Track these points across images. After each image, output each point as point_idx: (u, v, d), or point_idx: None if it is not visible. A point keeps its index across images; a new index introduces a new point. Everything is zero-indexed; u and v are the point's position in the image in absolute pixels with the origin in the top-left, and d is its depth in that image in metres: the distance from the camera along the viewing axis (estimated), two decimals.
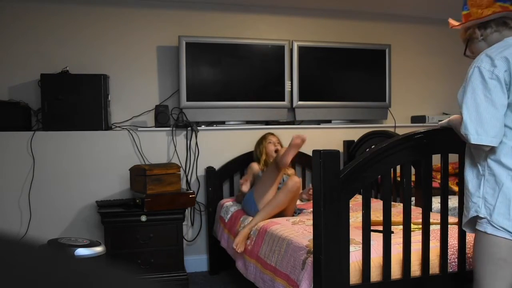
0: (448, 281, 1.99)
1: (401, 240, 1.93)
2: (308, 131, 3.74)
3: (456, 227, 2.04)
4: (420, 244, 1.96)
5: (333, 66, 3.79)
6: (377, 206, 2.59)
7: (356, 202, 2.86)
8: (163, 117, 3.33)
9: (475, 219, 1.62)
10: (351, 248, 1.84)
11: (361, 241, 1.86)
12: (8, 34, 3.27)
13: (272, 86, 3.64)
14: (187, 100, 3.43)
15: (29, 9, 3.31)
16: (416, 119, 4.06)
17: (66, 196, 3.23)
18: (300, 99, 3.68)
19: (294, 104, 3.67)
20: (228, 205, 3.24)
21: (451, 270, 2.01)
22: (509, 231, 1.52)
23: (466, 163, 1.69)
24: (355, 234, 2.01)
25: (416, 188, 2.86)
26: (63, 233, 3.18)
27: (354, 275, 1.84)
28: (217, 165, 3.51)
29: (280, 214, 2.76)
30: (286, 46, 3.63)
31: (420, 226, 2.01)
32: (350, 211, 1.87)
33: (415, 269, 1.95)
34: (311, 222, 1.98)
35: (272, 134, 3.37)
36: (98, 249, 2.55)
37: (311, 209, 2.02)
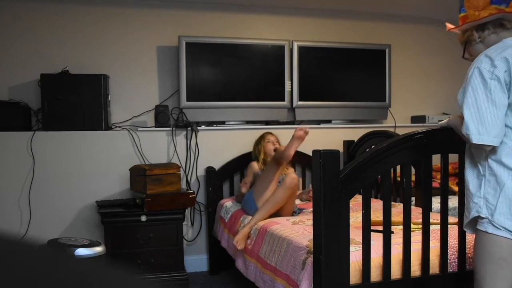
0: (448, 281, 1.99)
1: (401, 240, 1.93)
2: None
3: (456, 227, 2.04)
4: (420, 244, 1.96)
5: (333, 66, 3.79)
6: (377, 206, 2.59)
7: (356, 202, 2.86)
8: (163, 117, 3.33)
9: (476, 219, 1.62)
10: (351, 248, 1.84)
11: (361, 241, 1.86)
12: (8, 34, 3.27)
13: (272, 86, 3.64)
14: (187, 100, 3.43)
15: (29, 9, 3.31)
16: (416, 119, 4.06)
17: (66, 196, 3.23)
18: (300, 99, 3.68)
19: (294, 104, 3.67)
20: (228, 205, 3.24)
21: (451, 270, 2.01)
22: (510, 231, 1.52)
23: (466, 163, 1.70)
24: (355, 234, 2.01)
25: (416, 188, 2.86)
26: (63, 233, 3.19)
27: (354, 275, 1.84)
28: (217, 165, 3.51)
29: (279, 212, 2.75)
30: (286, 46, 3.63)
31: (420, 226, 2.01)
32: (350, 211, 1.87)
33: (415, 269, 1.95)
34: (311, 222, 1.98)
35: (270, 133, 3.38)
36: (98, 249, 2.55)
37: (311, 209, 2.02)
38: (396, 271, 1.92)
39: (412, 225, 2.01)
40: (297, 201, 3.25)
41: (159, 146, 3.44)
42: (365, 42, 3.88)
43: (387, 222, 1.90)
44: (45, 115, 3.11)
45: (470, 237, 2.02)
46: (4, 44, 3.27)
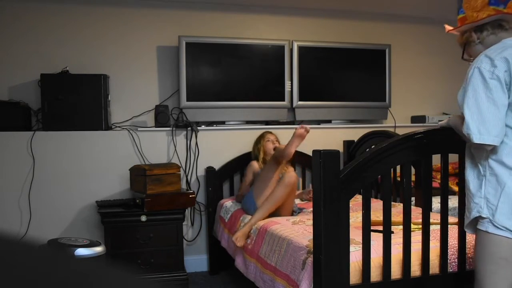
0: (448, 281, 1.99)
1: (401, 240, 1.93)
2: None
3: (456, 227, 2.04)
4: (420, 244, 1.96)
5: (333, 66, 3.79)
6: (377, 206, 2.59)
7: (356, 202, 2.86)
8: (163, 117, 3.33)
9: (477, 220, 1.62)
10: (351, 248, 1.84)
11: (361, 241, 1.86)
12: (8, 34, 3.27)
13: (272, 86, 3.64)
14: (187, 100, 3.43)
15: (29, 9, 3.31)
16: (416, 119, 4.06)
17: (66, 196, 3.23)
18: (300, 99, 3.68)
19: (294, 104, 3.67)
20: (228, 205, 3.24)
21: (451, 270, 2.01)
22: (511, 231, 1.53)
23: (466, 163, 1.70)
24: (355, 234, 2.01)
25: (416, 188, 2.86)
26: (63, 233, 3.19)
27: (354, 275, 1.84)
28: (217, 165, 3.51)
29: (279, 210, 2.75)
30: (286, 46, 3.63)
31: (420, 226, 2.01)
32: (350, 211, 1.87)
33: (415, 269, 1.95)
34: (311, 222, 1.98)
35: (270, 132, 3.38)
36: (98, 249, 2.55)
37: (311, 209, 2.02)
38: (396, 271, 1.92)
39: (412, 225, 2.01)
40: (297, 201, 3.25)
41: (159, 146, 3.44)
42: (365, 42, 3.88)
43: (387, 222, 1.90)
44: (45, 115, 3.11)
45: (470, 237, 2.02)
46: (4, 44, 3.27)
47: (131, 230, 2.97)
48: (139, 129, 3.40)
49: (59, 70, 3.21)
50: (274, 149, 3.15)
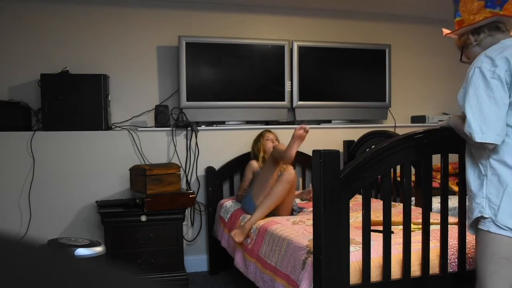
0: (448, 281, 1.99)
1: (401, 240, 1.93)
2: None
3: (456, 227, 2.04)
4: (420, 244, 1.96)
5: (333, 66, 3.79)
6: (377, 206, 2.59)
7: (356, 202, 2.86)
8: (163, 117, 3.33)
9: (478, 220, 1.62)
10: (351, 248, 1.84)
11: (361, 241, 1.86)
12: (8, 34, 3.27)
13: (272, 86, 3.64)
14: (187, 100, 3.43)
15: (29, 9, 3.31)
16: (416, 119, 4.06)
17: (66, 196, 3.23)
18: (300, 99, 3.68)
19: (294, 104, 3.67)
20: (228, 205, 3.24)
21: (451, 270, 2.01)
22: None
23: (467, 163, 1.70)
24: (355, 234, 2.01)
25: (416, 188, 2.86)
26: (63, 233, 3.19)
27: (354, 275, 1.84)
28: (217, 165, 3.51)
29: (278, 209, 2.73)
30: (286, 46, 3.63)
31: (420, 226, 2.01)
32: (350, 211, 1.87)
33: (415, 269, 1.95)
34: (311, 222, 1.98)
35: (269, 131, 3.37)
36: (98, 249, 2.55)
37: (311, 208, 2.02)
38: (396, 271, 1.92)
39: (412, 225, 2.01)
40: (298, 201, 3.25)
41: (159, 146, 3.44)
42: (365, 42, 3.88)
43: (387, 222, 1.90)
44: (45, 115, 3.11)
45: (470, 237, 2.02)
46: (4, 44, 3.27)
47: (131, 230, 2.97)
48: (139, 129, 3.40)
49: (59, 70, 3.21)
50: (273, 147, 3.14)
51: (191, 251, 3.49)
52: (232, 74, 3.57)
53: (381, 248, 1.89)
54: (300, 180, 3.72)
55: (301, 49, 3.67)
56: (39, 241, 2.76)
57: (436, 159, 2.09)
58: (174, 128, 3.43)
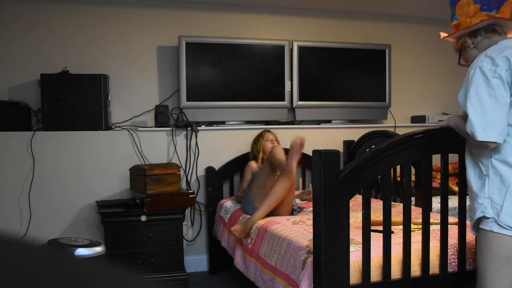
0: (448, 281, 1.99)
1: (401, 240, 1.93)
2: (308, 131, 3.74)
3: (456, 227, 2.04)
4: (420, 244, 1.96)
5: (333, 66, 3.79)
6: (377, 206, 2.59)
7: (356, 202, 2.86)
8: (163, 117, 3.33)
9: (480, 220, 1.62)
10: (351, 248, 1.84)
11: (361, 241, 1.86)
12: (8, 34, 3.27)
13: (272, 86, 3.64)
14: (187, 100, 3.43)
15: (29, 9, 3.31)
16: (416, 119, 4.06)
17: (66, 196, 3.23)
18: (300, 99, 3.68)
19: (294, 104, 3.67)
20: (228, 205, 3.24)
21: (451, 270, 2.01)
22: None
23: (467, 164, 1.70)
24: (355, 234, 2.01)
25: (416, 188, 2.86)
26: (63, 233, 3.19)
27: (354, 275, 1.84)
28: (217, 165, 3.51)
29: (278, 208, 2.72)
30: (286, 46, 3.63)
31: (420, 226, 2.01)
32: (350, 211, 1.87)
33: (415, 269, 1.95)
34: (311, 222, 1.98)
35: (269, 131, 3.37)
36: (98, 249, 2.55)
37: (311, 208, 2.02)
38: (396, 271, 1.92)
39: (412, 225, 2.01)
40: (298, 201, 3.25)
41: (159, 146, 3.44)
42: (365, 42, 3.88)
43: (387, 222, 1.90)
44: (45, 115, 3.11)
45: (470, 237, 2.02)
46: (4, 44, 3.27)
47: (131, 230, 2.97)
48: (139, 129, 3.40)
49: (59, 70, 3.21)
50: (273, 146, 3.13)
51: (191, 251, 3.49)
52: (232, 74, 3.57)
53: (381, 248, 1.89)
54: (300, 180, 3.72)
55: (301, 49, 3.67)
56: (39, 241, 2.76)
57: (436, 159, 2.09)
58: (174, 128, 3.43)
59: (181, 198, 3.02)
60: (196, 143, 3.49)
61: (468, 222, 1.93)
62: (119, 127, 3.41)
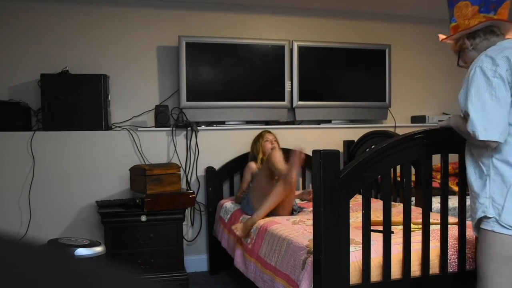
0: (448, 281, 1.99)
1: (401, 240, 1.93)
2: (308, 131, 3.74)
3: (456, 227, 2.04)
4: (420, 244, 1.96)
5: (333, 66, 3.79)
6: (377, 206, 2.59)
7: (356, 202, 2.86)
8: (163, 117, 3.33)
9: (481, 219, 1.62)
10: (351, 248, 1.84)
11: (361, 241, 1.86)
12: (8, 34, 3.27)
13: (272, 86, 3.64)
14: (187, 100, 3.43)
15: (29, 9, 3.31)
16: (416, 119, 4.06)
17: (66, 196, 3.23)
18: (300, 99, 3.68)
19: (294, 104, 3.67)
20: (228, 205, 3.24)
21: (451, 270, 2.01)
22: None
23: (467, 164, 1.70)
24: (355, 234, 2.01)
25: (416, 188, 2.86)
26: (63, 233, 3.19)
27: (354, 275, 1.84)
28: (217, 165, 3.51)
29: (278, 209, 2.72)
30: (286, 46, 3.63)
31: (420, 226, 2.01)
32: (350, 211, 1.87)
33: (415, 269, 1.95)
34: (311, 222, 1.98)
35: (269, 132, 3.36)
36: (98, 249, 2.55)
37: (311, 208, 2.02)
38: (396, 271, 1.92)
39: (412, 225, 2.01)
40: (298, 201, 3.24)
41: (159, 146, 3.44)
42: (365, 42, 3.88)
43: (387, 222, 1.90)
44: (45, 115, 3.11)
45: (470, 237, 2.02)
46: (4, 44, 3.27)
47: (131, 230, 2.97)
48: (139, 129, 3.40)
49: (59, 70, 3.21)
50: (272, 148, 3.13)
51: (191, 251, 3.49)
52: (232, 74, 3.57)
53: (381, 248, 1.89)
54: (300, 180, 3.71)
55: (301, 49, 3.67)
56: (39, 241, 2.76)
57: (436, 159, 2.09)
58: (174, 128, 3.43)
59: (181, 198, 3.02)
60: (196, 143, 3.49)
61: (468, 222, 1.93)
62: (119, 127, 3.41)
